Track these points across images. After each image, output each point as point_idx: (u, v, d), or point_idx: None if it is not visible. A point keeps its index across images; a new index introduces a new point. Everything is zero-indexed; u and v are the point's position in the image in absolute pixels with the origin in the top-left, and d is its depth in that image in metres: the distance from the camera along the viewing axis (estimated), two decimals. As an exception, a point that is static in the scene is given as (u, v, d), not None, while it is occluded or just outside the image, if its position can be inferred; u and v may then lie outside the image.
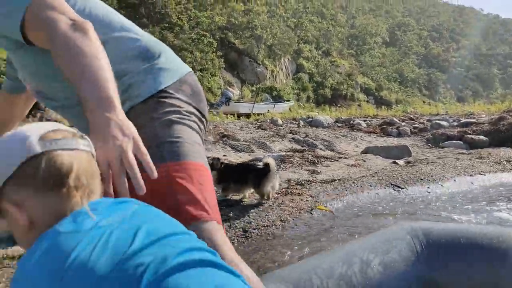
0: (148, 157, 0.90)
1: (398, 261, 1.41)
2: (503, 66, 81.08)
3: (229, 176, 3.10)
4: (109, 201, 0.78)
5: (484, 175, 4.41)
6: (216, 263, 0.71)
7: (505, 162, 5.14)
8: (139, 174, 0.86)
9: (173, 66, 1.35)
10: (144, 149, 0.91)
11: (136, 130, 0.92)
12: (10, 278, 1.71)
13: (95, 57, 0.98)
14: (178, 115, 1.26)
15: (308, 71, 42.46)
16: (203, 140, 1.36)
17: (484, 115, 10.79)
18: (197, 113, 1.34)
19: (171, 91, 1.28)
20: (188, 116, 1.29)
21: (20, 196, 0.73)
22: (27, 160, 0.72)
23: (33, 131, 0.75)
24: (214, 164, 3.11)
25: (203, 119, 1.39)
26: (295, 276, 1.31)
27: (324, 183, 3.85)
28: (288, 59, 42.21)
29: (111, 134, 0.87)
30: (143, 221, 0.73)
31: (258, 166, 3.06)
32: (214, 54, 29.54)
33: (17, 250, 1.90)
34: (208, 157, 4.56)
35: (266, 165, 3.00)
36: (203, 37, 29.20)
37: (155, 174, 0.89)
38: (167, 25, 28.20)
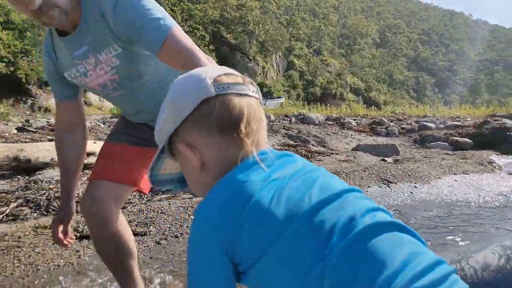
0: None
1: None
2: (490, 72, 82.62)
3: None
4: (274, 152, 0.77)
5: (468, 174, 4.69)
6: (402, 226, 0.66)
7: (486, 163, 5.46)
8: None
9: None
10: None
11: None
12: (46, 244, 1.89)
13: None
14: None
15: (299, 69, 42.76)
16: None
17: (470, 119, 11.13)
18: None
19: None
20: None
21: (193, 137, 0.74)
22: (203, 102, 0.72)
23: (208, 74, 0.75)
24: None
25: None
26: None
27: (318, 175, 4.07)
28: (280, 56, 42.44)
29: None
30: (314, 176, 0.72)
31: None
32: (206, 47, 29.58)
33: (47, 220, 2.07)
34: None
35: None
36: (195, 30, 29.22)
37: None
38: (160, 16, 28.20)
